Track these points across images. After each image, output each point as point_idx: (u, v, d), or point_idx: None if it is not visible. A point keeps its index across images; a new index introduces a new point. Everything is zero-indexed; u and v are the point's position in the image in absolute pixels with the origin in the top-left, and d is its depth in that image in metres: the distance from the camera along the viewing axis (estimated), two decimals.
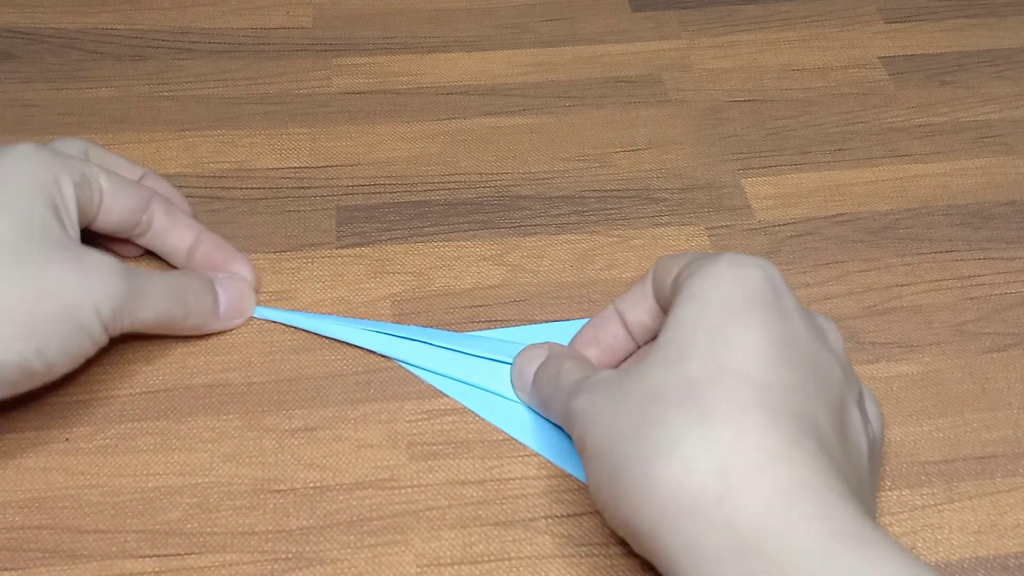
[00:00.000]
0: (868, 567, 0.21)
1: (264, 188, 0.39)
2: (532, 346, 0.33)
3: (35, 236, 0.29)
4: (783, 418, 0.24)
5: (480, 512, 0.30)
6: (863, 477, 0.26)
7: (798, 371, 0.25)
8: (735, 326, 0.25)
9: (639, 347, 0.32)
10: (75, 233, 0.31)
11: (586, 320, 0.35)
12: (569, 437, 0.32)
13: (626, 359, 0.32)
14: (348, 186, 0.40)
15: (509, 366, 0.33)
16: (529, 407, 0.33)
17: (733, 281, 0.26)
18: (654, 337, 0.30)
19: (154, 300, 0.31)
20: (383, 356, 0.34)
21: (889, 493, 0.31)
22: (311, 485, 0.31)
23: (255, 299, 0.35)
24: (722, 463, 0.23)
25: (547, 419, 0.32)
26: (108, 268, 0.30)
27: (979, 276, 0.37)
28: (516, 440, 0.32)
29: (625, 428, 0.25)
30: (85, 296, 0.29)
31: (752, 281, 0.26)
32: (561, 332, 0.35)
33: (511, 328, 0.35)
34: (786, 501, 0.22)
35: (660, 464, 0.24)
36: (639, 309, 0.31)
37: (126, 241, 0.35)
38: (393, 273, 0.37)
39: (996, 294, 0.37)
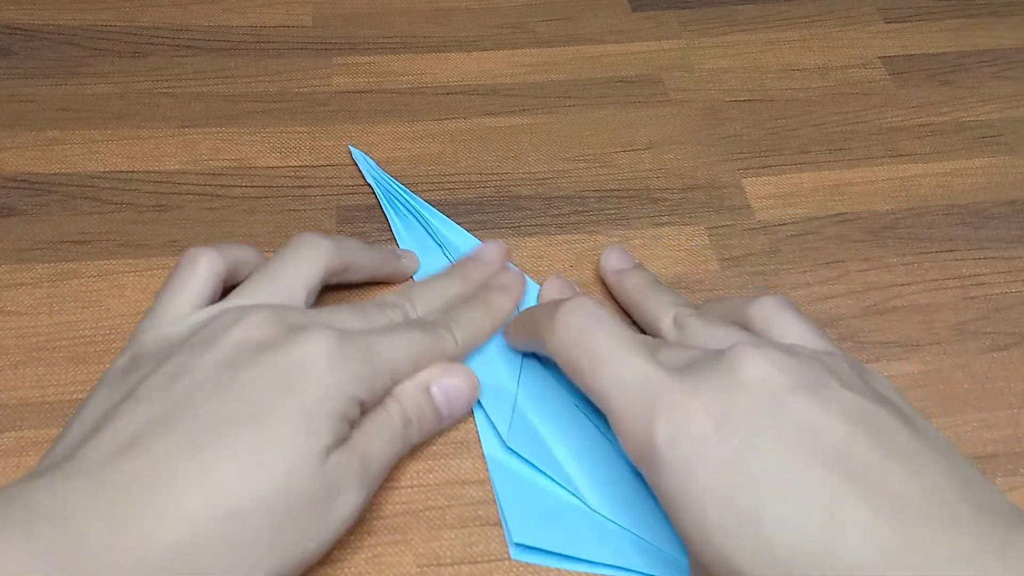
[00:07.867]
0: None
1: (264, 187, 0.39)
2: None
3: None
4: None
5: (480, 512, 0.30)
6: None
7: None
8: None
9: None
10: None
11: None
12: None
13: None
14: (348, 185, 0.40)
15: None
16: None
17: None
18: None
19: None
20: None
21: None
22: None
23: None
24: None
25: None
26: None
27: (979, 276, 0.37)
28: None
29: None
30: None
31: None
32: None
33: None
34: None
35: None
36: None
37: None
38: None
39: (996, 294, 0.37)
